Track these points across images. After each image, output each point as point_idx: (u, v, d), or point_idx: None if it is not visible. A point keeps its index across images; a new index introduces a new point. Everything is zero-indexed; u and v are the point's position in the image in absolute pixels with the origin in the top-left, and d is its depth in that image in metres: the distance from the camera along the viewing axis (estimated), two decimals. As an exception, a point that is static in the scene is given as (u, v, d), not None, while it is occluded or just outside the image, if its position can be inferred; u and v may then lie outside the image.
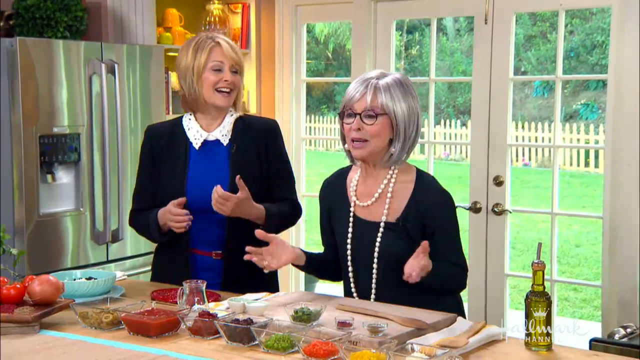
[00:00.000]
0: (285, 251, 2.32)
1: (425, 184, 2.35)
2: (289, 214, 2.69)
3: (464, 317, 2.26)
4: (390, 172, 2.34)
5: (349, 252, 2.36)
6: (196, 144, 2.62)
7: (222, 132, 2.63)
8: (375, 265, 2.32)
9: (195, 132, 2.63)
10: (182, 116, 2.71)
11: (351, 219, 2.36)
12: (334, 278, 2.51)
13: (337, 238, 2.41)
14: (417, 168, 2.40)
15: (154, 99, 4.05)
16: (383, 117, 2.27)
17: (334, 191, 2.45)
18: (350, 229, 2.36)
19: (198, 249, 2.62)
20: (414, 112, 2.30)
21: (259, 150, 2.63)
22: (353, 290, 2.37)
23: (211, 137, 2.63)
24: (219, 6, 4.70)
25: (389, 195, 2.33)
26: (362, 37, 4.44)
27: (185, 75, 2.60)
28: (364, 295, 2.35)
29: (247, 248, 2.32)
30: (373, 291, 2.33)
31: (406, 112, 2.28)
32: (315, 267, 2.44)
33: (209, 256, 2.60)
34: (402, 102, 2.27)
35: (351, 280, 2.36)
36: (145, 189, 2.69)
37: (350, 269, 2.36)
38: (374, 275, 2.33)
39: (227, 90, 2.59)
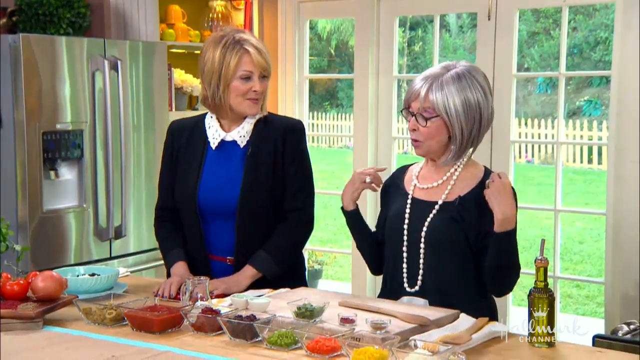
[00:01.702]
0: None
1: (491, 175, 2.31)
2: (289, 240, 2.54)
3: (497, 321, 2.20)
4: (459, 163, 2.32)
5: (405, 231, 2.30)
6: (213, 143, 2.53)
7: (241, 133, 2.51)
8: (422, 245, 2.27)
9: (215, 131, 2.54)
10: (205, 114, 2.61)
11: (409, 200, 2.33)
12: (369, 256, 2.47)
13: (388, 221, 2.37)
14: (486, 167, 2.37)
15: (157, 95, 4.06)
16: (436, 119, 2.23)
17: (392, 186, 2.43)
18: (408, 209, 2.32)
19: (213, 254, 2.56)
20: (473, 106, 2.23)
21: (275, 152, 2.51)
22: (405, 270, 2.31)
23: (229, 138, 2.53)
24: (222, 2, 4.70)
25: (452, 182, 2.30)
26: (365, 33, 4.43)
27: (210, 79, 2.47)
28: (412, 277, 2.30)
29: None
30: (420, 271, 2.28)
31: (461, 108, 2.22)
32: (361, 225, 2.44)
33: (224, 262, 2.55)
34: (457, 98, 2.21)
35: (404, 261, 2.31)
36: (166, 186, 2.63)
37: (405, 249, 2.31)
38: (422, 255, 2.27)
39: (257, 98, 2.48)
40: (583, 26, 14.32)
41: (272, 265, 2.49)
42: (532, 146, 13.11)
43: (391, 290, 2.35)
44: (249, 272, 2.47)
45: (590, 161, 12.52)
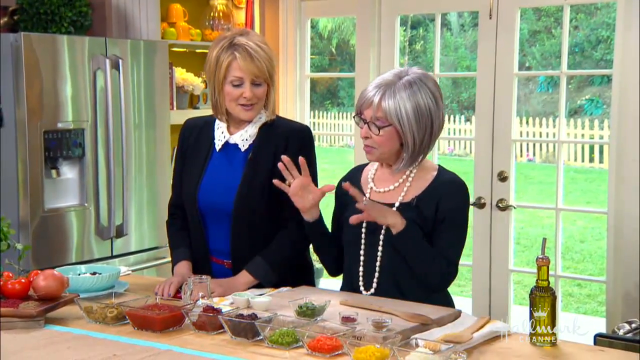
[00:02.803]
0: (310, 195, 2.30)
1: (446, 173, 2.35)
2: (288, 248, 2.47)
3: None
4: (413, 166, 2.33)
5: (363, 235, 2.31)
6: (218, 145, 2.52)
7: (243, 137, 2.48)
8: (380, 248, 2.29)
9: (220, 133, 2.52)
10: None
11: (365, 202, 2.32)
12: (331, 262, 2.46)
13: (346, 224, 2.35)
14: (440, 165, 2.39)
15: (158, 94, 4.06)
16: (389, 128, 2.25)
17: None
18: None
19: (214, 256, 2.55)
20: (424, 113, 2.24)
21: (275, 157, 2.42)
22: (361, 273, 2.32)
23: (232, 141, 2.50)
24: (223, 1, 4.70)
25: (408, 184, 2.32)
26: (366, 32, 4.43)
27: (210, 80, 2.47)
28: (368, 279, 2.31)
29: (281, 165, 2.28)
30: (376, 274, 2.29)
31: (412, 115, 2.23)
32: (320, 234, 2.40)
33: (223, 264, 2.54)
34: (408, 105, 2.22)
35: (361, 263, 2.32)
36: (176, 185, 2.63)
37: (362, 251, 2.31)
38: (379, 258, 2.29)
39: (249, 104, 2.44)
40: (584, 25, 14.32)
41: (269, 273, 2.45)
42: (534, 145, 13.10)
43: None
44: (245, 279, 2.44)
45: (591, 160, 12.51)
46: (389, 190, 2.34)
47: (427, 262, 2.26)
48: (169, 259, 2.72)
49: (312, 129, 2.70)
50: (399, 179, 2.34)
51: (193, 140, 2.58)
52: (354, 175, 2.46)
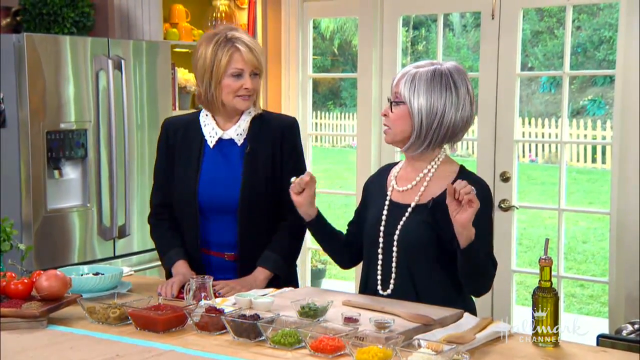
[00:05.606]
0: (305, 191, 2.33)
1: (466, 173, 2.33)
2: (293, 239, 2.57)
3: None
4: (432, 162, 2.33)
5: (381, 234, 2.31)
6: (211, 142, 2.55)
7: (238, 132, 2.54)
8: (395, 248, 2.28)
9: (211, 129, 2.56)
10: (199, 111, 2.62)
11: (387, 203, 2.34)
12: (338, 256, 2.49)
13: (366, 224, 2.37)
14: (462, 165, 2.37)
15: (161, 94, 4.06)
16: (402, 106, 2.27)
17: (375, 184, 2.45)
18: (385, 212, 2.32)
19: (211, 250, 2.58)
20: (435, 109, 2.24)
21: (273, 150, 2.55)
22: (379, 273, 2.31)
23: (226, 136, 2.55)
24: (226, 2, 4.71)
25: (425, 183, 2.31)
26: (368, 33, 4.43)
27: (203, 76, 2.50)
28: (385, 280, 2.31)
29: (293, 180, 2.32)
30: (393, 274, 2.29)
31: (424, 106, 2.24)
32: (324, 233, 2.42)
33: (222, 257, 2.57)
34: (422, 97, 2.23)
35: (379, 264, 2.32)
36: (162, 184, 2.65)
37: (380, 250, 2.31)
38: (394, 259, 2.28)
39: (248, 95, 2.51)
40: (587, 25, 14.30)
41: (281, 263, 2.53)
42: (536, 145, 13.09)
43: (367, 293, 2.35)
44: (262, 275, 2.50)
45: (594, 160, 12.50)
46: (407, 190, 2.33)
47: (485, 274, 2.24)
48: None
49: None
50: (417, 176, 2.33)
51: (180, 138, 2.61)
52: (382, 174, 2.46)
